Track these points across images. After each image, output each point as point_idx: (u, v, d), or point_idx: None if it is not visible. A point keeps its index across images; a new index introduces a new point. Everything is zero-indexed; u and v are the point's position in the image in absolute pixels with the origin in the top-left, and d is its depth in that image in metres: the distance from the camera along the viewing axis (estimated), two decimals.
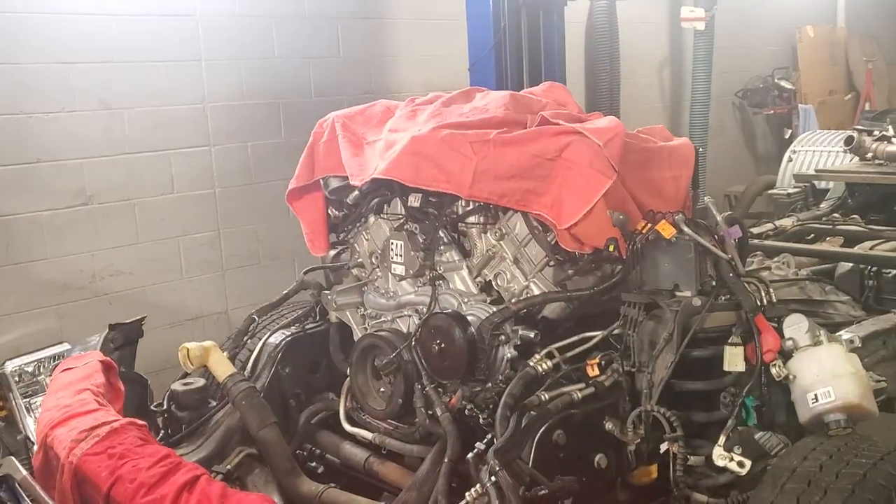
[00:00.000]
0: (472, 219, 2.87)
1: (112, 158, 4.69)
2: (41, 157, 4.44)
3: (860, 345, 2.54)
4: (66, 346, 3.41)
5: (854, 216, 4.94)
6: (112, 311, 4.64)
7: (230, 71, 5.11)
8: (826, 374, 2.35)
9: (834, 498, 2.00)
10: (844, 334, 2.59)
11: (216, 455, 2.85)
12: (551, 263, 2.71)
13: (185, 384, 3.07)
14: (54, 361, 3.30)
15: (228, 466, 2.78)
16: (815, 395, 2.33)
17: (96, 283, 4.70)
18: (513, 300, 2.73)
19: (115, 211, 4.73)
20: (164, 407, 3.06)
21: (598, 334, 2.59)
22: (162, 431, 3.04)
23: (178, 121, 4.92)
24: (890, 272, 3.91)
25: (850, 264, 4.02)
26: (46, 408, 2.62)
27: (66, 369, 2.88)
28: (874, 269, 3.94)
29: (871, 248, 4.16)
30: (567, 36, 5.88)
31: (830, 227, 4.71)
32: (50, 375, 3.11)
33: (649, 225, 2.53)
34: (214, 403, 3.07)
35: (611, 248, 2.58)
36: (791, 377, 2.39)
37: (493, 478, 2.15)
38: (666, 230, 2.48)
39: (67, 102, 4.50)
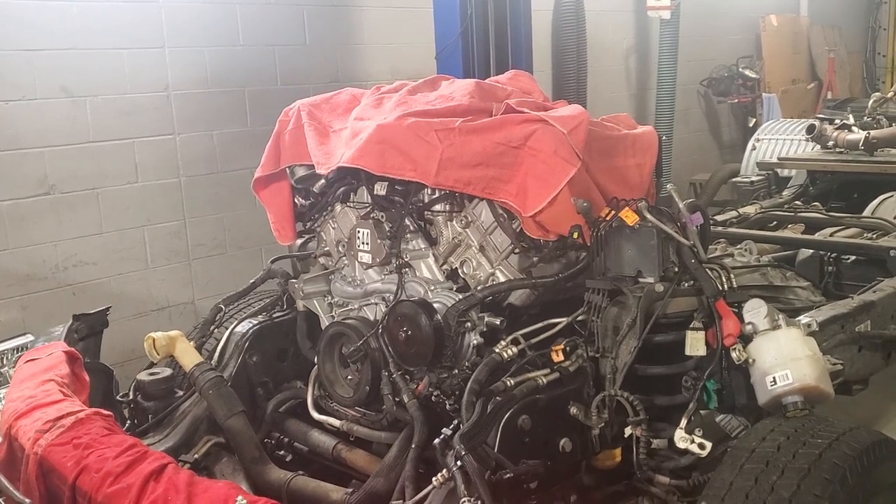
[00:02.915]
0: (437, 207, 2.88)
1: (75, 147, 4.64)
2: (2, 146, 4.38)
3: (818, 328, 2.60)
4: (29, 338, 3.37)
5: (815, 203, 5.05)
6: (76, 301, 4.60)
7: (194, 58, 5.06)
8: (784, 358, 2.40)
9: (791, 477, 2.05)
10: (803, 318, 2.65)
11: (183, 444, 2.84)
12: (516, 251, 2.73)
13: (152, 374, 3.05)
14: (17, 353, 3.27)
15: (196, 455, 2.77)
16: (774, 378, 2.38)
17: (60, 273, 4.65)
18: (479, 287, 2.74)
19: (78, 200, 4.68)
20: (131, 397, 3.04)
21: (563, 321, 2.61)
22: (128, 422, 3.02)
23: (142, 108, 4.87)
24: (849, 258, 4.01)
25: (811, 251, 4.11)
26: (10, 399, 2.59)
27: (29, 360, 2.85)
28: (834, 255, 4.03)
29: (831, 235, 4.25)
30: (534, 24, 5.90)
31: (792, 214, 4.81)
32: (13, 367, 3.08)
33: (613, 212, 2.56)
34: (181, 393, 3.06)
35: (575, 236, 2.60)
36: (751, 361, 2.44)
37: (459, 462, 2.17)
38: (629, 217, 2.51)
39: (29, 90, 4.43)
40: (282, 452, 3.11)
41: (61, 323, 3.23)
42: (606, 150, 2.79)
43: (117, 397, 3.10)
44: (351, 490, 2.59)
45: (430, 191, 2.87)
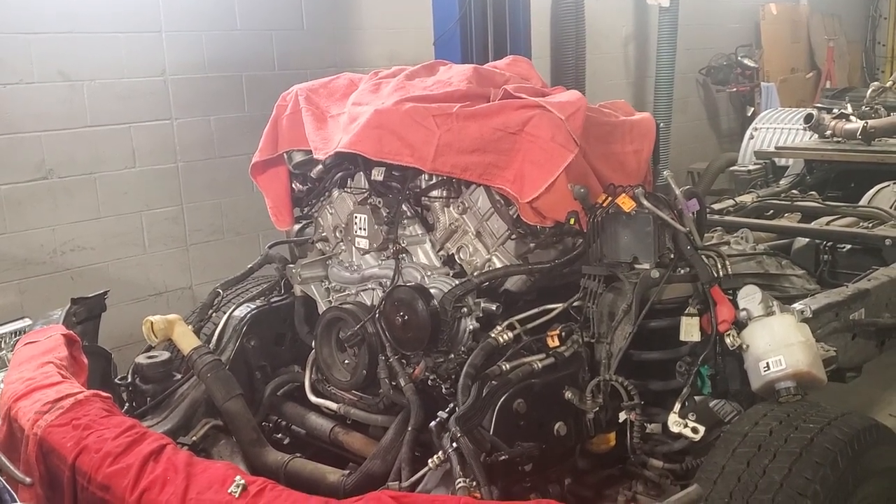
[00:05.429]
0: (435, 192, 2.89)
1: (72, 131, 4.63)
2: None
3: (811, 315, 2.62)
4: (27, 322, 3.39)
5: (812, 193, 5.06)
6: (74, 286, 4.61)
7: (191, 43, 5.05)
8: (778, 343, 2.42)
9: (782, 461, 2.08)
10: (796, 305, 2.66)
11: (181, 427, 2.85)
12: (513, 237, 2.74)
13: (150, 357, 3.06)
14: (15, 337, 3.28)
15: (194, 438, 2.78)
16: (767, 364, 2.40)
17: (57, 257, 4.65)
18: (475, 273, 2.76)
19: (75, 185, 4.68)
20: (129, 380, 3.06)
21: (559, 306, 2.63)
22: (127, 404, 3.04)
23: (139, 93, 4.87)
24: (844, 247, 4.02)
25: (807, 239, 4.12)
26: (9, 381, 2.60)
27: (28, 343, 2.86)
28: (829, 244, 4.05)
29: (827, 224, 4.27)
30: (532, 10, 5.89)
31: (789, 203, 4.82)
32: (11, 351, 3.10)
33: (610, 198, 2.57)
34: (179, 376, 3.07)
35: (571, 222, 2.61)
36: (744, 346, 2.46)
37: (454, 444, 2.19)
38: (626, 203, 2.53)
39: (26, 73, 4.42)
40: (279, 435, 3.13)
41: (59, 307, 3.23)
42: (604, 136, 2.80)
43: (115, 380, 3.11)
44: (348, 472, 2.61)
45: (427, 176, 2.88)
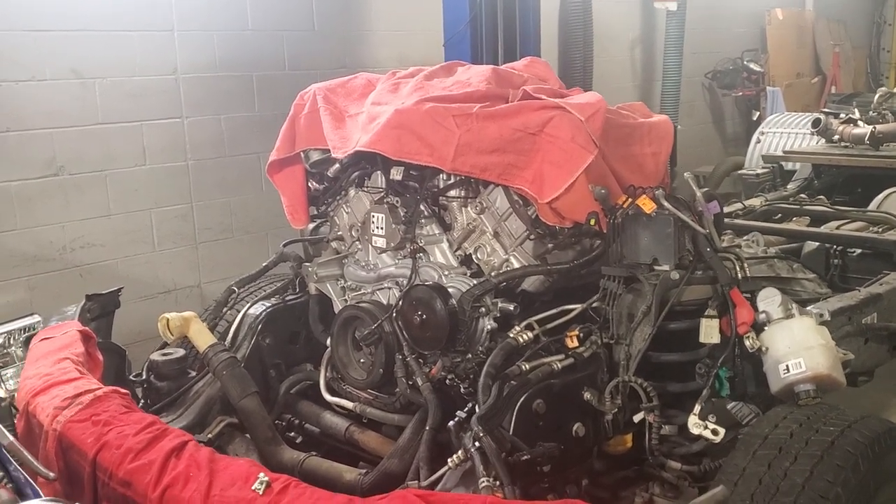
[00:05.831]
0: (453, 192, 2.89)
1: (83, 129, 4.63)
2: (10, 127, 4.38)
3: (829, 318, 2.62)
4: (36, 318, 3.36)
5: (820, 197, 5.06)
6: (83, 283, 4.60)
7: (203, 42, 5.06)
8: (797, 346, 2.42)
9: (803, 464, 2.08)
10: (814, 308, 2.66)
11: (197, 424, 2.85)
12: (531, 237, 2.74)
13: (165, 354, 3.06)
14: (25, 333, 3.27)
15: (209, 435, 2.78)
16: (787, 366, 2.40)
17: (67, 254, 4.65)
18: (493, 273, 2.76)
19: (86, 182, 4.68)
20: (144, 377, 3.06)
21: (578, 307, 2.63)
22: (142, 401, 3.04)
23: (151, 91, 4.87)
24: (854, 251, 4.02)
25: (817, 243, 4.12)
26: (27, 376, 2.61)
27: (44, 339, 2.86)
28: (839, 248, 4.05)
29: (836, 228, 4.26)
30: (541, 13, 5.90)
31: (797, 207, 4.82)
32: (21, 347, 3.09)
33: (630, 200, 2.58)
34: (194, 374, 3.07)
35: (591, 223, 2.62)
36: (764, 349, 2.46)
37: (476, 443, 2.19)
38: (646, 205, 2.53)
39: (38, 71, 4.42)
40: (292, 434, 3.13)
41: (68, 304, 3.23)
42: (623, 138, 2.81)
43: (130, 377, 3.11)
44: (364, 471, 2.61)
45: (445, 176, 2.88)
